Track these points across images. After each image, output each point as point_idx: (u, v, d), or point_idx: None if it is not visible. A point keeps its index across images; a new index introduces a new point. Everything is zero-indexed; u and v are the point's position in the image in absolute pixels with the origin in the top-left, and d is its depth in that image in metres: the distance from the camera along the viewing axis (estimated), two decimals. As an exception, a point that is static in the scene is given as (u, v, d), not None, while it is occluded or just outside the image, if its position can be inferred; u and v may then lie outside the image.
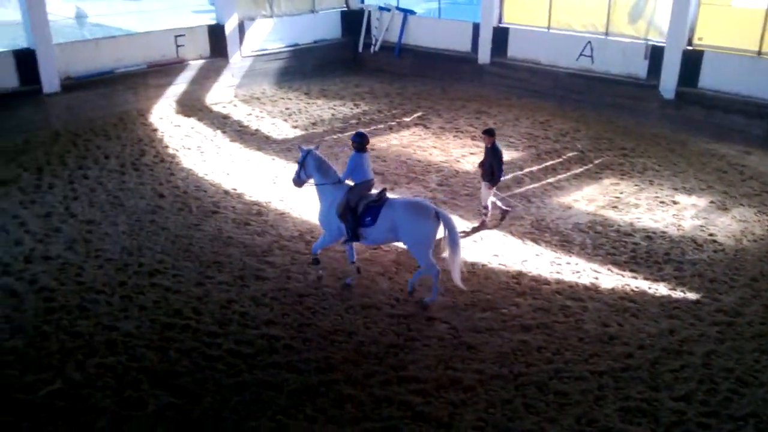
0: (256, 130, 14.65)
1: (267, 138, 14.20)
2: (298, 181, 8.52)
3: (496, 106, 16.27)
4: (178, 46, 16.55)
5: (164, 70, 16.17)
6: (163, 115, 15.37)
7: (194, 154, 13.10)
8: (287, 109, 16.26)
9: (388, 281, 8.63)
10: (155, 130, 14.45)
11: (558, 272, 8.96)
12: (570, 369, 7.05)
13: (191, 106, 16.06)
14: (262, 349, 7.23)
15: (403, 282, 8.62)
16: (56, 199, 10.88)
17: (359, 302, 8.17)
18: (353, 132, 8.93)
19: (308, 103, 16.70)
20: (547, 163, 12.79)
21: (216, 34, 17.05)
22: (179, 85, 16.33)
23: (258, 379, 6.73)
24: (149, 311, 7.89)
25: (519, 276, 8.86)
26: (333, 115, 15.82)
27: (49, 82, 14.36)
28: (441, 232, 7.88)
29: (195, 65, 16.59)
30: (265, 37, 18.27)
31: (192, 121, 15.12)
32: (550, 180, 12.02)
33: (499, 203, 10.32)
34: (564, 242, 9.77)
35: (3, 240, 9.52)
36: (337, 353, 7.19)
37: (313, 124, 15.17)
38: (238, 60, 17.41)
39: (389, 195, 8.26)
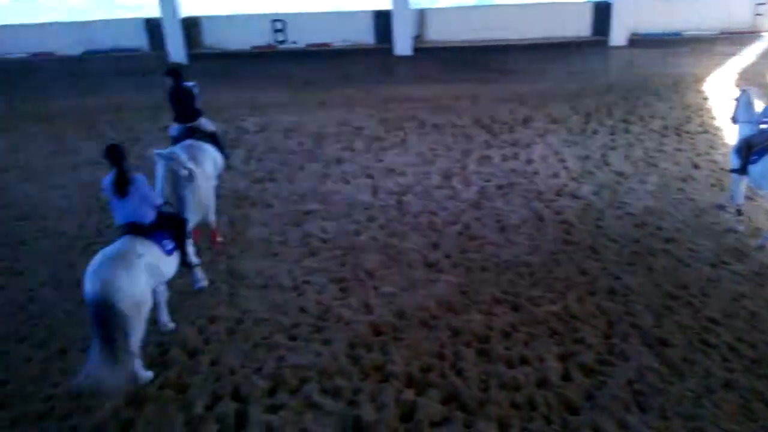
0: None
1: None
2: (733, 118, 9.26)
3: None
4: (756, 14, 15.20)
5: (733, 38, 15.16)
6: (719, 85, 14.54)
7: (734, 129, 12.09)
8: None
9: None
10: (706, 98, 13.90)
11: None
12: None
13: (751, 79, 14.70)
14: (765, 355, 6.53)
15: None
16: (596, 145, 11.71)
17: None
18: None
19: None
20: None
21: (810, 3, 14.97)
22: (745, 56, 15.09)
23: (751, 386, 6.14)
24: (655, 274, 7.92)
25: None
26: None
27: (616, 36, 15.15)
28: None
29: (771, 36, 15.03)
30: None
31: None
32: None
33: None
34: None
35: (543, 170, 10.84)
36: None
37: None
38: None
39: None
